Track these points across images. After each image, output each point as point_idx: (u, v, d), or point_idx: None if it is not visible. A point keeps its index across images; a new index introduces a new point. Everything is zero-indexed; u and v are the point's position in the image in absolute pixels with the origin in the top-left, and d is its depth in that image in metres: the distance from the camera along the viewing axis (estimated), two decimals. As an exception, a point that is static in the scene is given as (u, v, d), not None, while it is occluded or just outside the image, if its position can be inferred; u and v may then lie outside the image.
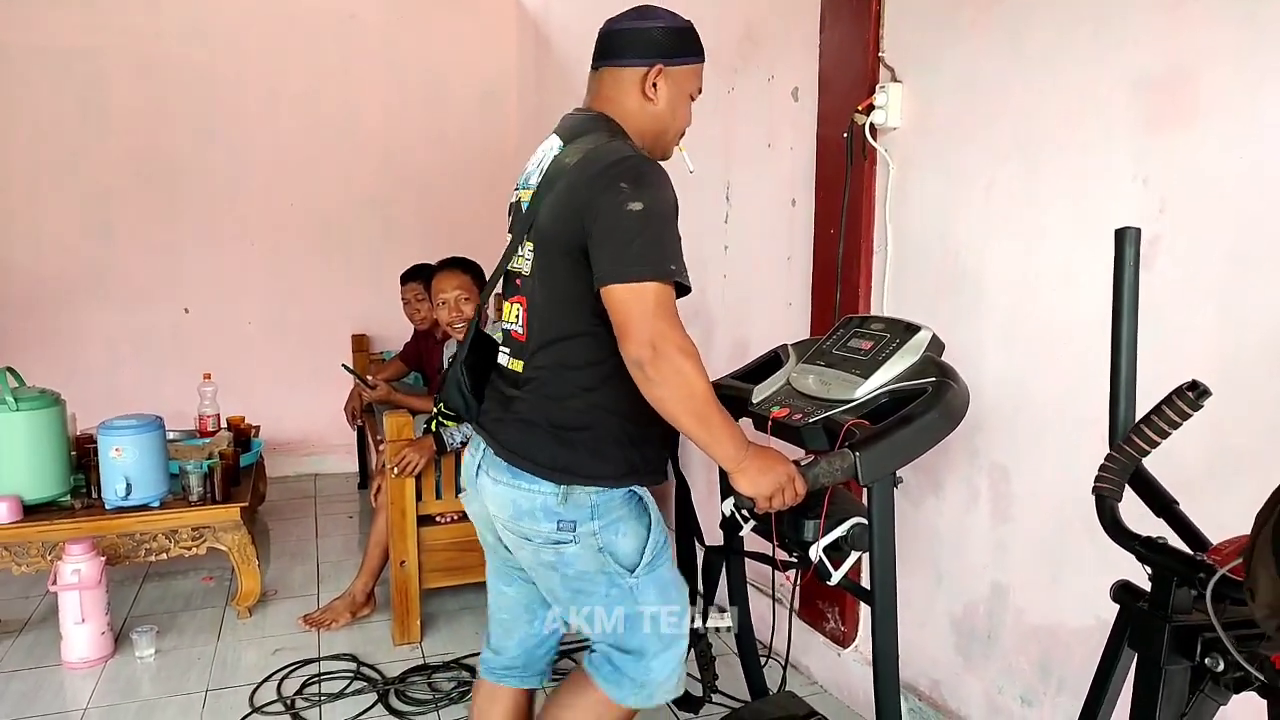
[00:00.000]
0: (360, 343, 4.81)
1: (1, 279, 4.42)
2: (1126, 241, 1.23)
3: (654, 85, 1.57)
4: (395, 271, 4.15)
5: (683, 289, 1.43)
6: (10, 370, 2.97)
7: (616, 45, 1.59)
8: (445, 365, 3.45)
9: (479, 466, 1.61)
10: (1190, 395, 1.01)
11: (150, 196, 4.59)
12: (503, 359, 1.63)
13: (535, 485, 1.51)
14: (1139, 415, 1.17)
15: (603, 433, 1.53)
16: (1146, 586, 1.07)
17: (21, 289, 4.45)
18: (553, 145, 1.57)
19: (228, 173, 4.69)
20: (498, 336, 1.69)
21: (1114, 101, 1.70)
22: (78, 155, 4.46)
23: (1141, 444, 1.03)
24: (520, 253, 1.57)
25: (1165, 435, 1.03)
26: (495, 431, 1.58)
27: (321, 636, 2.99)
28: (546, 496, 1.50)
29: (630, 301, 1.37)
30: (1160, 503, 1.15)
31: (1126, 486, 1.14)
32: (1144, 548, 1.01)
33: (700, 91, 1.67)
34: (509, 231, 1.65)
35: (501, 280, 1.67)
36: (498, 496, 1.56)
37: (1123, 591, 1.09)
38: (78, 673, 2.77)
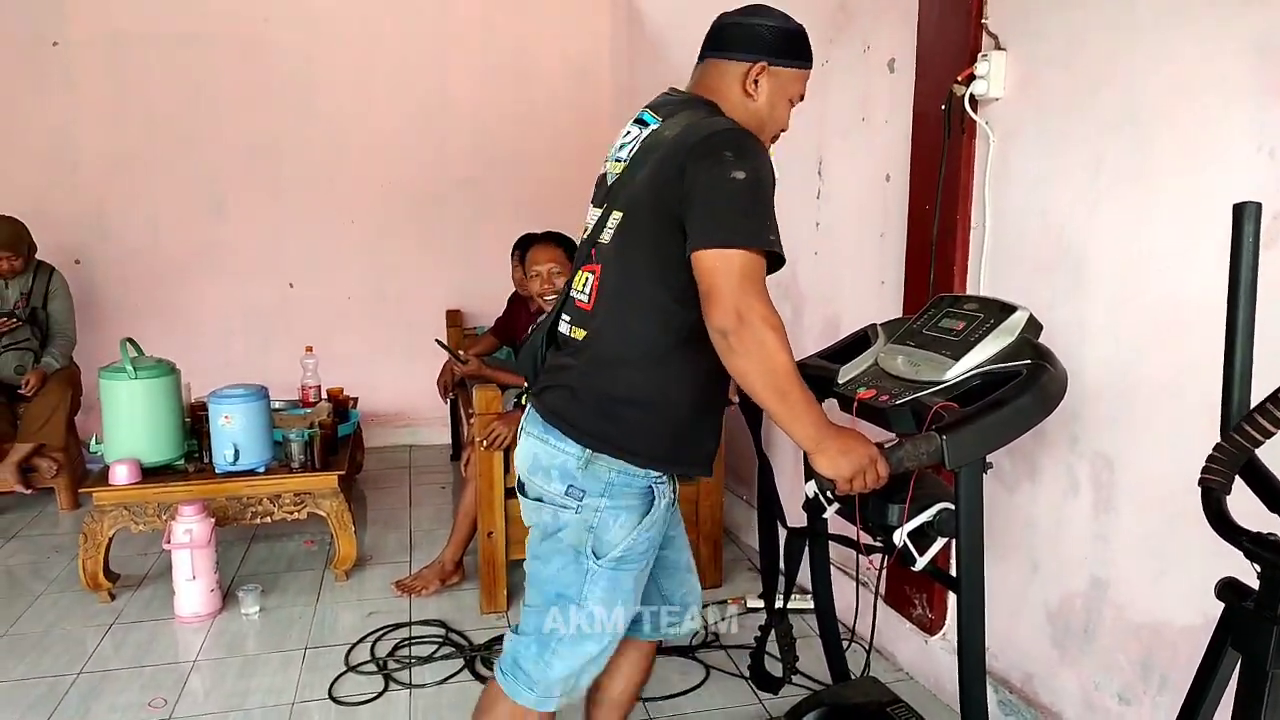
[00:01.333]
0: (453, 318, 4.92)
1: (124, 258, 4.69)
2: (1246, 217, 1.15)
3: (755, 82, 1.56)
4: (488, 249, 4.23)
5: (776, 261, 1.41)
6: (130, 341, 3.15)
7: (725, 38, 1.59)
8: (530, 336, 3.49)
9: (521, 429, 1.63)
10: (1312, 382, 0.93)
11: (256, 177, 4.79)
12: (564, 327, 1.62)
13: (562, 444, 1.52)
14: (1253, 403, 1.10)
15: (649, 411, 1.51)
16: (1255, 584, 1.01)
17: (142, 267, 4.72)
18: (648, 120, 1.57)
19: (327, 154, 4.85)
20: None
21: (1235, 69, 1.58)
22: (190, 139, 4.68)
23: (1254, 433, 0.96)
24: (606, 224, 1.56)
25: (1282, 425, 0.96)
26: (543, 395, 1.60)
27: (412, 602, 3.09)
28: (569, 458, 1.51)
29: (720, 268, 1.35)
30: (1274, 497, 1.07)
31: (1237, 479, 1.07)
32: (1251, 543, 0.94)
33: (802, 98, 1.64)
34: (593, 204, 1.66)
35: (577, 252, 1.68)
36: (523, 449, 1.60)
37: (1228, 589, 1.02)
38: (189, 626, 2.94)
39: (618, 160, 1.58)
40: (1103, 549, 1.93)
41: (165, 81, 4.63)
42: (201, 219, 4.76)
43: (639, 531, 1.55)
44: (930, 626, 2.47)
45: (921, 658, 2.53)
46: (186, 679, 2.61)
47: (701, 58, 1.62)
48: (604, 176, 1.63)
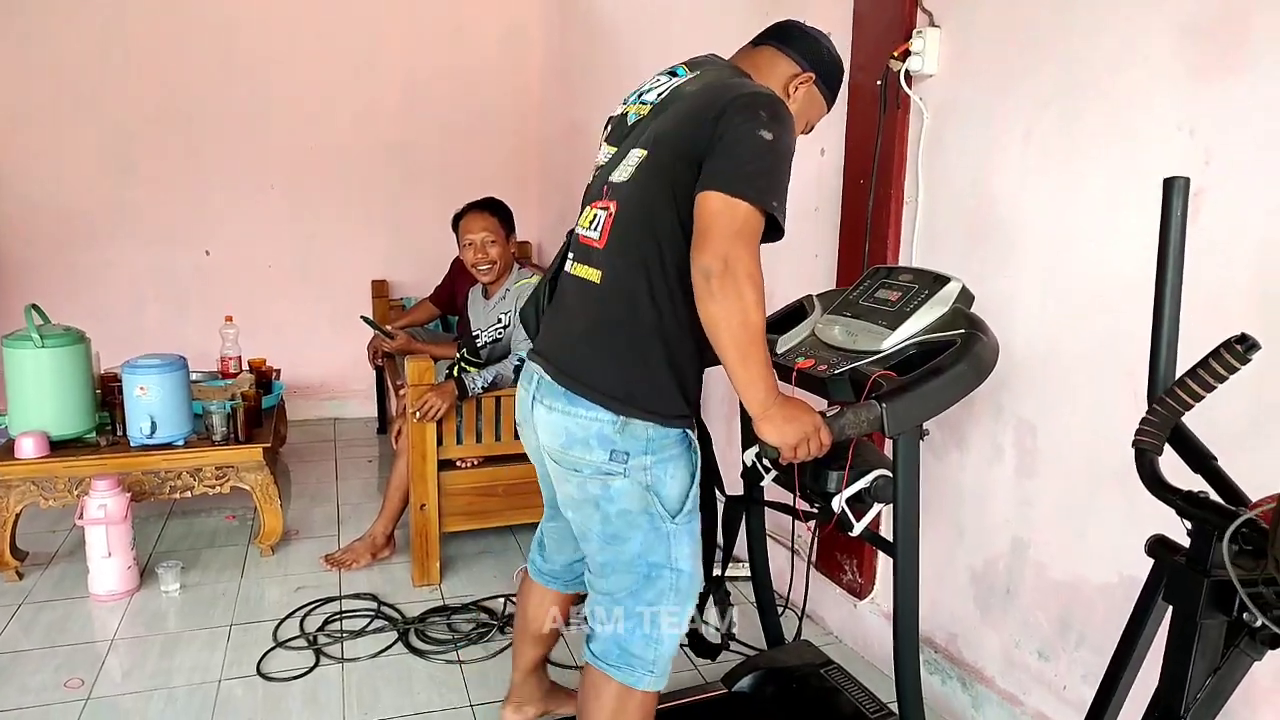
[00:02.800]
0: (380, 288, 4.80)
1: (25, 215, 4.42)
2: (1175, 192, 1.20)
3: (798, 87, 1.63)
4: (415, 216, 4.14)
5: (775, 229, 1.41)
6: (35, 307, 2.99)
7: (792, 36, 1.65)
8: (469, 309, 3.43)
9: (533, 397, 1.59)
10: (1239, 348, 0.98)
11: (171, 137, 4.57)
12: (569, 268, 1.61)
13: (593, 413, 1.49)
14: (1179, 371, 1.15)
15: (670, 364, 1.50)
16: (1180, 542, 1.06)
17: (45, 226, 4.46)
18: (681, 73, 1.60)
19: (247, 115, 4.65)
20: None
21: (1160, 48, 1.64)
22: (98, 94, 4.43)
23: (1186, 397, 1.01)
24: (623, 161, 1.54)
25: (1210, 389, 1.01)
26: (554, 355, 1.57)
27: (342, 576, 3.03)
28: (603, 424, 1.49)
29: (721, 212, 1.35)
30: (1199, 459, 1.13)
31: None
32: (1185, 502, 0.99)
33: (811, 129, 1.74)
34: (606, 142, 1.66)
35: (587, 189, 1.66)
36: (551, 425, 1.55)
37: (1159, 546, 1.08)
38: (105, 605, 2.83)
39: (643, 103, 1.59)
40: (1025, 512, 2.01)
41: (71, 31, 4.35)
42: (110, 179, 4.51)
43: (694, 483, 1.58)
44: (860, 591, 2.54)
45: (851, 621, 2.60)
46: (104, 658, 2.52)
47: (759, 42, 1.67)
48: (623, 116, 1.63)
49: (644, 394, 1.50)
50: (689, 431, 1.58)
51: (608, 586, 1.61)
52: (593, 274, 1.54)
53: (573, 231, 1.65)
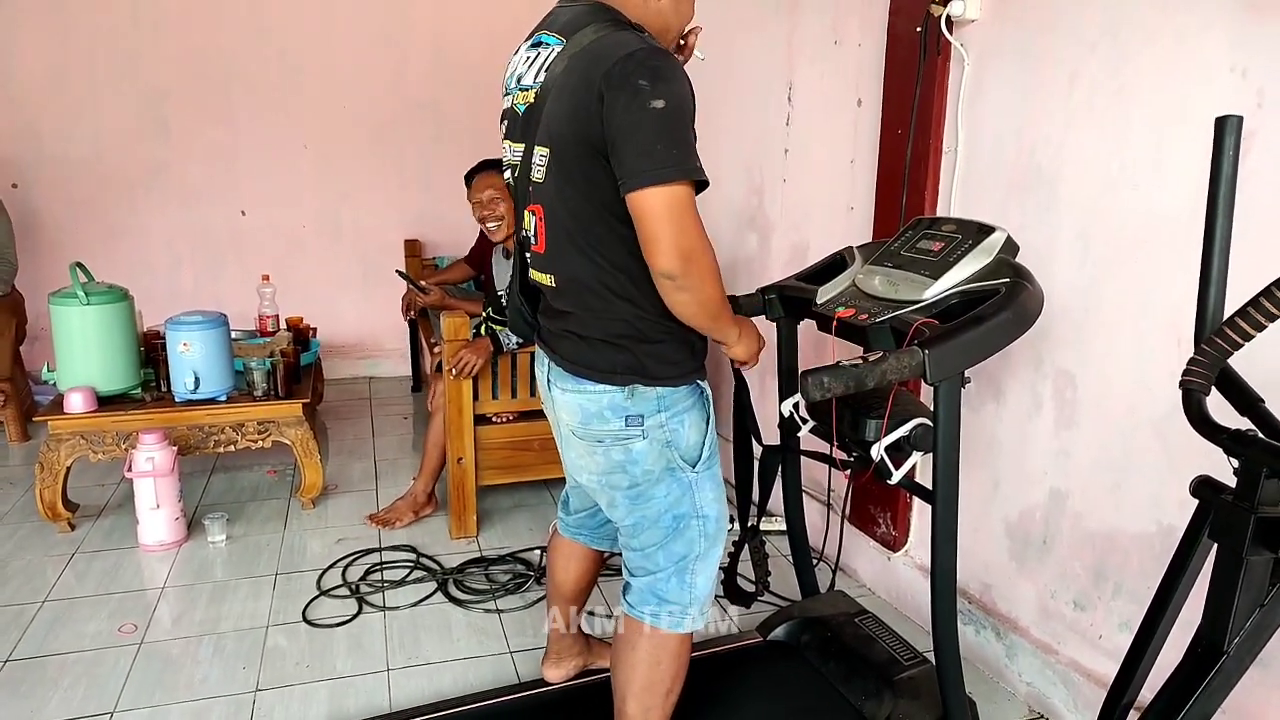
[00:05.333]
0: (413, 247, 4.83)
1: (64, 177, 4.48)
2: (1227, 130, 1.18)
3: None
4: (447, 175, 4.14)
5: (701, 185, 1.39)
6: (80, 266, 3.04)
7: None
8: (494, 269, 3.45)
9: (548, 380, 1.63)
10: (1291, 286, 0.97)
11: (205, 98, 4.59)
12: (531, 274, 1.61)
13: (598, 388, 1.52)
14: (1227, 312, 1.14)
15: (663, 336, 1.52)
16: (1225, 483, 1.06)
17: (83, 187, 4.51)
18: (549, 41, 1.48)
19: (280, 76, 4.67)
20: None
21: (1215, -13, 1.60)
22: (133, 56, 4.45)
23: (1235, 337, 1.00)
24: (533, 160, 1.48)
25: (1260, 329, 1.00)
26: (555, 345, 1.60)
27: (381, 530, 3.09)
28: (613, 395, 1.52)
29: (659, 208, 1.33)
30: (1245, 401, 1.12)
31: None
32: (1233, 440, 0.99)
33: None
34: (507, 139, 1.58)
35: (513, 191, 1.62)
36: (567, 405, 1.58)
37: (1204, 486, 1.08)
38: (154, 554, 2.91)
39: (524, 89, 1.50)
40: (1063, 463, 2.00)
41: (105, -3, 4.38)
42: (146, 141, 4.56)
43: (710, 429, 1.61)
44: (894, 544, 2.56)
45: (884, 574, 2.62)
46: (155, 606, 2.60)
47: None
48: (512, 110, 1.56)
49: (648, 367, 1.52)
50: (700, 382, 1.60)
51: (639, 543, 1.64)
52: (545, 278, 1.55)
53: (522, 235, 1.63)
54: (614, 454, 1.56)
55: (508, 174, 1.62)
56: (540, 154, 1.47)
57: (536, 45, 1.52)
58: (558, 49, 1.45)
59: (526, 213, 1.56)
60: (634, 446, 1.55)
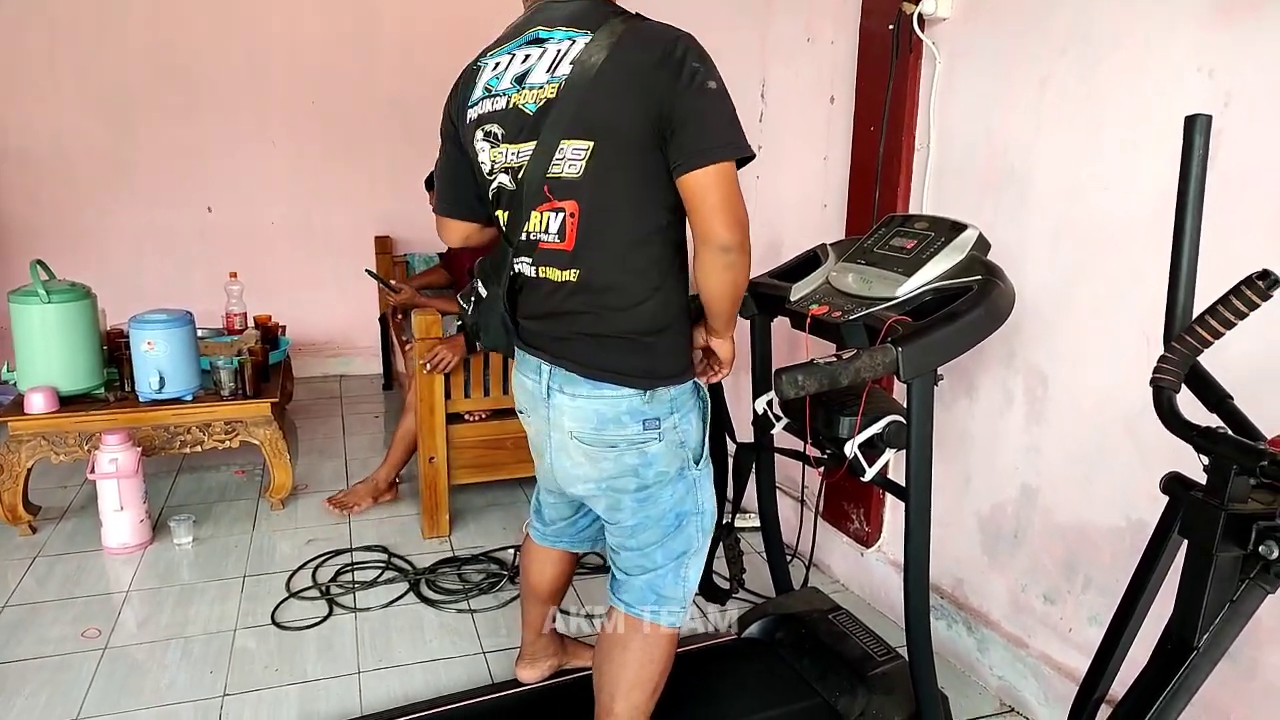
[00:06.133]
0: (383, 244, 4.78)
1: (26, 173, 4.38)
2: (1197, 129, 1.19)
3: None
4: (418, 172, 4.07)
5: (744, 162, 1.43)
6: (41, 263, 2.97)
7: None
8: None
9: (549, 388, 1.55)
10: (1260, 285, 0.98)
11: (169, 94, 4.51)
12: (530, 270, 1.52)
13: (619, 391, 1.49)
14: (1196, 310, 1.15)
15: (675, 330, 1.53)
16: (1195, 479, 1.07)
17: (46, 184, 4.42)
18: (555, 37, 1.45)
19: (247, 71, 4.59)
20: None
21: (1181, -12, 1.62)
22: (95, 50, 4.36)
23: (1205, 335, 1.01)
24: (558, 156, 1.43)
25: (1230, 326, 1.01)
26: (562, 351, 1.52)
27: (352, 529, 3.06)
28: (632, 399, 1.50)
29: (722, 183, 1.37)
30: (1214, 397, 1.13)
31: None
32: (1202, 438, 1.00)
33: None
34: (503, 141, 1.50)
35: (514, 193, 1.51)
36: (578, 411, 1.52)
37: (1174, 483, 1.09)
38: (118, 557, 2.86)
39: (534, 88, 1.44)
40: (1034, 459, 2.02)
41: (65, -11, 4.28)
42: (109, 136, 4.47)
43: (705, 423, 1.62)
44: (867, 540, 2.57)
45: (858, 569, 2.63)
46: (120, 610, 2.55)
47: None
48: (512, 110, 1.47)
49: (661, 365, 1.52)
50: (696, 379, 1.61)
51: (639, 543, 1.62)
52: (567, 274, 1.48)
53: (504, 236, 1.56)
54: (628, 459, 1.54)
55: (503, 179, 1.52)
56: (576, 147, 1.41)
57: (534, 42, 1.47)
58: (582, 41, 1.41)
59: (542, 213, 1.47)
60: (650, 450, 1.54)
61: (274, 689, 2.18)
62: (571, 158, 1.42)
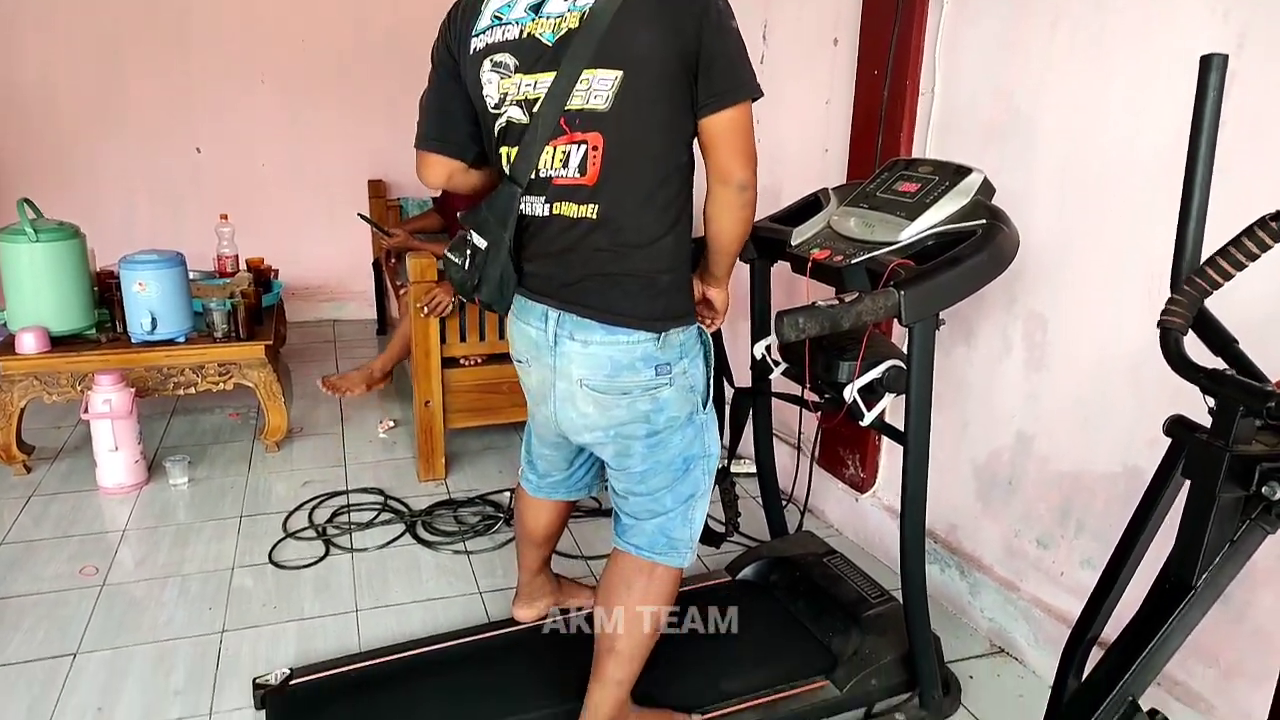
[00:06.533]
0: (377, 188, 4.72)
1: (12, 110, 4.30)
2: (1212, 69, 1.16)
3: None
4: (411, 114, 4.00)
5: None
6: (28, 202, 2.93)
7: None
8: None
9: (556, 335, 1.51)
10: (1273, 226, 0.97)
11: (158, 30, 4.40)
12: (541, 209, 1.47)
13: (634, 336, 1.47)
14: (1205, 253, 1.14)
15: (685, 269, 1.53)
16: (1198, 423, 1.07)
17: (33, 122, 4.34)
18: None
19: (235, 5, 4.48)
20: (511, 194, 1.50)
21: (1200, -75, 1.58)
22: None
23: (1216, 276, 1.00)
24: (582, 87, 1.38)
25: (1241, 268, 1.00)
26: (573, 296, 1.48)
27: (348, 472, 3.07)
28: (646, 344, 1.48)
29: (743, 122, 1.41)
30: (1220, 341, 1.13)
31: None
32: (1209, 379, 0.99)
33: None
34: (517, 71, 1.44)
35: (526, 127, 1.44)
36: (590, 358, 1.49)
37: (1177, 425, 1.09)
38: (114, 497, 2.86)
39: (552, 17, 1.40)
40: (1032, 405, 2.02)
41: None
42: (97, 73, 4.37)
43: (709, 365, 1.64)
44: (862, 485, 2.59)
45: (852, 515, 2.65)
46: (116, 548, 2.56)
47: None
48: (528, 39, 1.42)
49: (672, 303, 1.51)
50: (700, 323, 1.61)
51: (648, 488, 1.62)
52: (584, 210, 1.44)
53: (507, 176, 1.49)
54: (640, 405, 1.53)
55: (513, 112, 1.46)
56: (602, 78, 1.37)
57: None
58: None
59: (560, 146, 1.42)
60: (661, 395, 1.53)
61: (272, 626, 2.20)
62: (597, 89, 1.38)
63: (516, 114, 1.46)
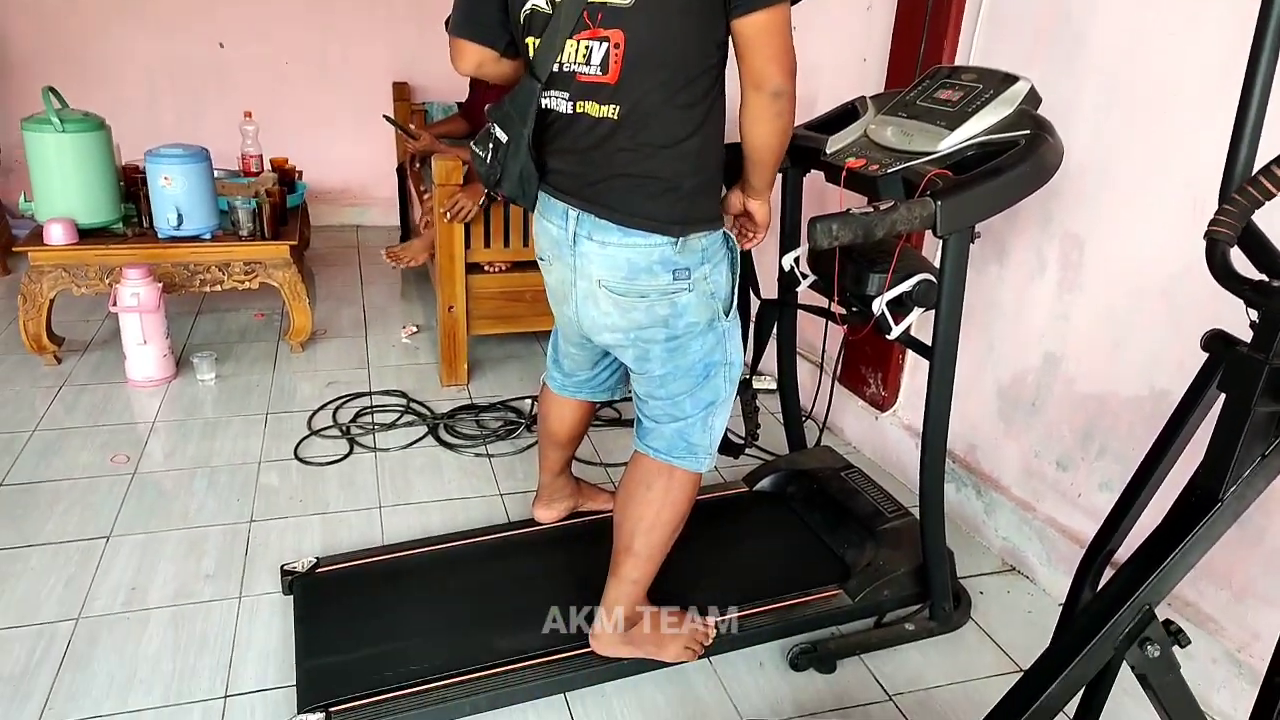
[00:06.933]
0: (401, 91, 4.64)
1: (31, 3, 4.22)
2: (1284, -31, 1.10)
3: None
4: (438, 13, 3.89)
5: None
6: (53, 90, 2.90)
7: None
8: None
9: (576, 234, 1.51)
10: (1336, 133, 0.93)
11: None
12: (565, 106, 1.45)
13: (651, 239, 1.46)
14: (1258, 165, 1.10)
15: (709, 176, 1.49)
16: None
17: (52, 7, 4.26)
18: None
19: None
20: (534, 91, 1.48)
21: None
22: None
23: (1270, 186, 0.96)
24: None
25: (1297, 178, 0.96)
26: (595, 196, 1.47)
27: (371, 374, 3.10)
28: (664, 248, 1.46)
29: (778, 26, 1.35)
30: (1268, 258, 1.09)
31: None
32: (1254, 291, 0.97)
33: None
34: None
35: (549, 17, 1.42)
36: (608, 260, 1.49)
37: (1216, 340, 1.07)
38: (143, 390, 2.91)
39: None
40: (1061, 327, 2.00)
41: None
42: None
43: (735, 273, 1.61)
44: (882, 404, 2.59)
45: (872, 433, 2.66)
46: (146, 440, 2.61)
47: None
48: None
49: (695, 207, 1.48)
50: (726, 230, 1.58)
51: (668, 393, 1.63)
52: (605, 110, 1.42)
53: (529, 69, 1.48)
54: (659, 309, 1.53)
55: (538, 0, 1.43)
56: None
57: None
58: None
59: (580, 39, 1.39)
60: (680, 300, 1.52)
61: (298, 518, 2.26)
62: None
63: (541, 3, 1.43)
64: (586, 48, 1.40)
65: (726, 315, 1.60)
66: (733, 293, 1.60)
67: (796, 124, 2.01)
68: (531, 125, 1.49)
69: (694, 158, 1.45)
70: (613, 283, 1.52)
